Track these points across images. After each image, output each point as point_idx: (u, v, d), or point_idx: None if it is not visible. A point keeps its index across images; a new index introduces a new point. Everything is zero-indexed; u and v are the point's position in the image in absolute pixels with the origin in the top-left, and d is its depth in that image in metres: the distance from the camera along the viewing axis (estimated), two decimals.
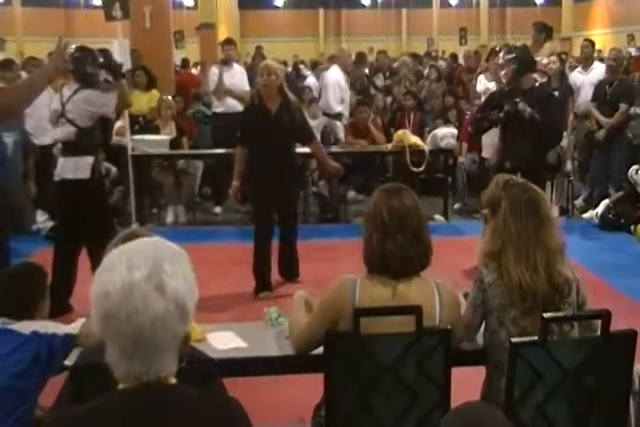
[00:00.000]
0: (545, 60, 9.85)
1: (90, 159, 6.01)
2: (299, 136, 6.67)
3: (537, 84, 7.13)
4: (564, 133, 9.10)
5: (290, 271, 6.85)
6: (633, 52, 18.04)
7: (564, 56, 16.91)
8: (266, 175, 6.34)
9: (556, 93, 9.06)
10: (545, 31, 10.22)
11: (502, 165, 6.56)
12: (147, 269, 1.64)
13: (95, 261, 5.30)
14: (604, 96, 9.18)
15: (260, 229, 6.59)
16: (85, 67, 5.98)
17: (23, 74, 8.89)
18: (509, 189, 3.28)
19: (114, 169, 9.46)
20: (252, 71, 11.35)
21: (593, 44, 10.55)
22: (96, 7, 24.84)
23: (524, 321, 3.01)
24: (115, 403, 1.68)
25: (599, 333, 2.86)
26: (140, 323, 1.62)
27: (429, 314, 2.91)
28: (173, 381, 1.72)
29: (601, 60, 11.38)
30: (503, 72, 8.41)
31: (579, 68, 10.47)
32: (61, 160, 6.11)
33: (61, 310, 5.66)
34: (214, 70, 10.31)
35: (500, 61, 10.42)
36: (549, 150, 6.62)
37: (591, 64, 10.05)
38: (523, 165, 6.34)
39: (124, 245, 1.75)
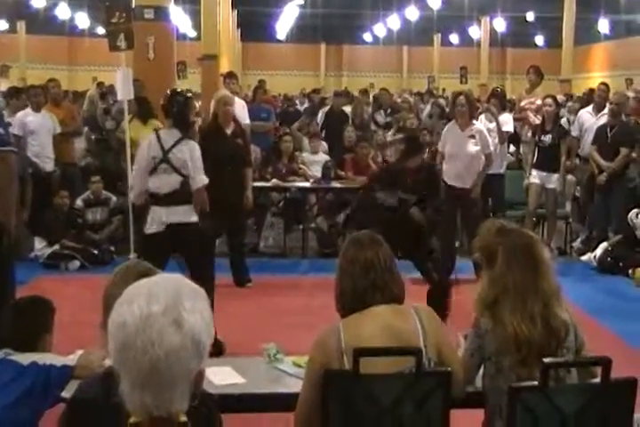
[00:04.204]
0: (539, 102, 9.91)
1: (191, 207, 5.72)
2: (244, 157, 7.77)
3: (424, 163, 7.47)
4: (558, 175, 9.11)
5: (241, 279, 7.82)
6: (631, 96, 18.06)
7: (563, 98, 16.99)
8: (220, 185, 6.88)
9: (547, 138, 9.09)
10: (541, 75, 10.60)
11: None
12: (165, 303, 1.66)
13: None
14: (605, 139, 9.17)
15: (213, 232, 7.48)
16: (189, 116, 5.83)
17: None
18: (504, 235, 3.28)
19: (113, 198, 9.47)
20: (251, 104, 11.46)
21: (608, 88, 10.39)
22: (100, 36, 25.05)
23: (521, 370, 3.01)
24: None
25: (599, 379, 2.85)
26: (155, 355, 1.62)
27: (413, 338, 2.95)
28: (184, 418, 1.71)
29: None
30: (393, 148, 8.97)
31: (589, 109, 10.28)
32: (159, 210, 5.67)
33: None
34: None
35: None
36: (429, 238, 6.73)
37: (603, 108, 9.79)
38: (402, 252, 6.18)
39: (144, 279, 1.76)
